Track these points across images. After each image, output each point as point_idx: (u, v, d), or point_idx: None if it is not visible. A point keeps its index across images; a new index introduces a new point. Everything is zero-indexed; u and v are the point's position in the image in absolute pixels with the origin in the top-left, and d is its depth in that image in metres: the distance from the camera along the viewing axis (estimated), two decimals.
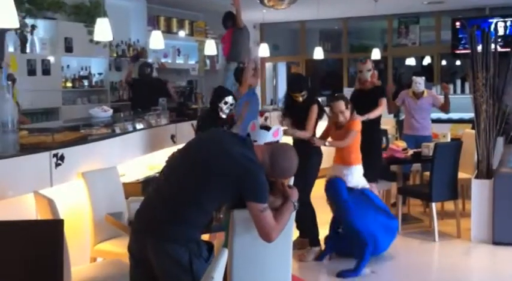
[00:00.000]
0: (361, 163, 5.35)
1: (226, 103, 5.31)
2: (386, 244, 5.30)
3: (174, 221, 2.63)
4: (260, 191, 2.70)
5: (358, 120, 5.39)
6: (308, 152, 5.15)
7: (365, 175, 5.53)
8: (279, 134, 4.70)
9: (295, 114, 5.38)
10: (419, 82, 6.88)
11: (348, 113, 5.25)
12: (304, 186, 5.14)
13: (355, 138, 5.28)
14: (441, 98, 7.13)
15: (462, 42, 11.21)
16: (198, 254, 2.64)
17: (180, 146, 3.08)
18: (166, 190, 2.75)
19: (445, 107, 6.93)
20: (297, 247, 5.31)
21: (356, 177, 5.30)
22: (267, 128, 4.23)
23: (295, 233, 5.44)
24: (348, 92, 9.04)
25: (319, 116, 5.37)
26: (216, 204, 2.80)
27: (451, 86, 10.37)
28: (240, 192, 2.70)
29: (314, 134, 5.35)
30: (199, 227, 2.71)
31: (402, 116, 8.48)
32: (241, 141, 2.87)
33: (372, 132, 5.84)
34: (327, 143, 5.27)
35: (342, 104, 5.22)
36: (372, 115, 5.84)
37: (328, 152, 5.52)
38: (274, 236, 2.74)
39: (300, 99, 5.31)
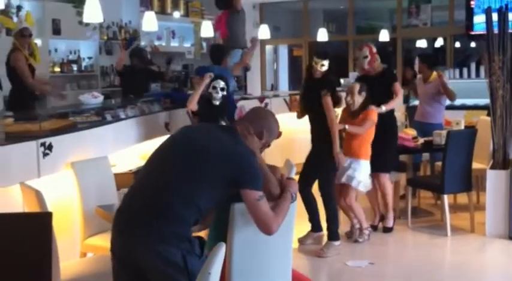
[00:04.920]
0: (369, 159, 5.40)
1: (215, 88, 5.30)
2: None
3: (165, 221, 2.60)
4: (256, 177, 2.75)
5: (374, 110, 5.40)
6: (328, 144, 5.16)
7: (378, 165, 5.57)
8: None
9: (309, 93, 5.34)
10: (415, 63, 6.94)
11: (359, 98, 5.37)
12: (326, 178, 5.29)
13: (370, 130, 5.33)
14: (449, 83, 7.08)
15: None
16: (191, 251, 2.64)
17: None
18: (153, 187, 2.69)
19: (447, 96, 6.86)
20: (308, 242, 5.52)
21: (363, 173, 5.39)
22: None
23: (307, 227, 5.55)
24: (354, 76, 9.02)
25: (336, 104, 5.29)
26: (208, 199, 2.72)
27: (464, 70, 10.35)
28: (235, 183, 2.71)
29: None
30: (191, 224, 2.70)
31: (412, 102, 8.48)
32: (227, 130, 2.95)
33: (386, 119, 5.73)
34: (347, 126, 5.27)
35: (356, 86, 5.43)
36: (389, 106, 5.73)
37: None
38: (274, 227, 2.74)
39: (318, 67, 5.20)
